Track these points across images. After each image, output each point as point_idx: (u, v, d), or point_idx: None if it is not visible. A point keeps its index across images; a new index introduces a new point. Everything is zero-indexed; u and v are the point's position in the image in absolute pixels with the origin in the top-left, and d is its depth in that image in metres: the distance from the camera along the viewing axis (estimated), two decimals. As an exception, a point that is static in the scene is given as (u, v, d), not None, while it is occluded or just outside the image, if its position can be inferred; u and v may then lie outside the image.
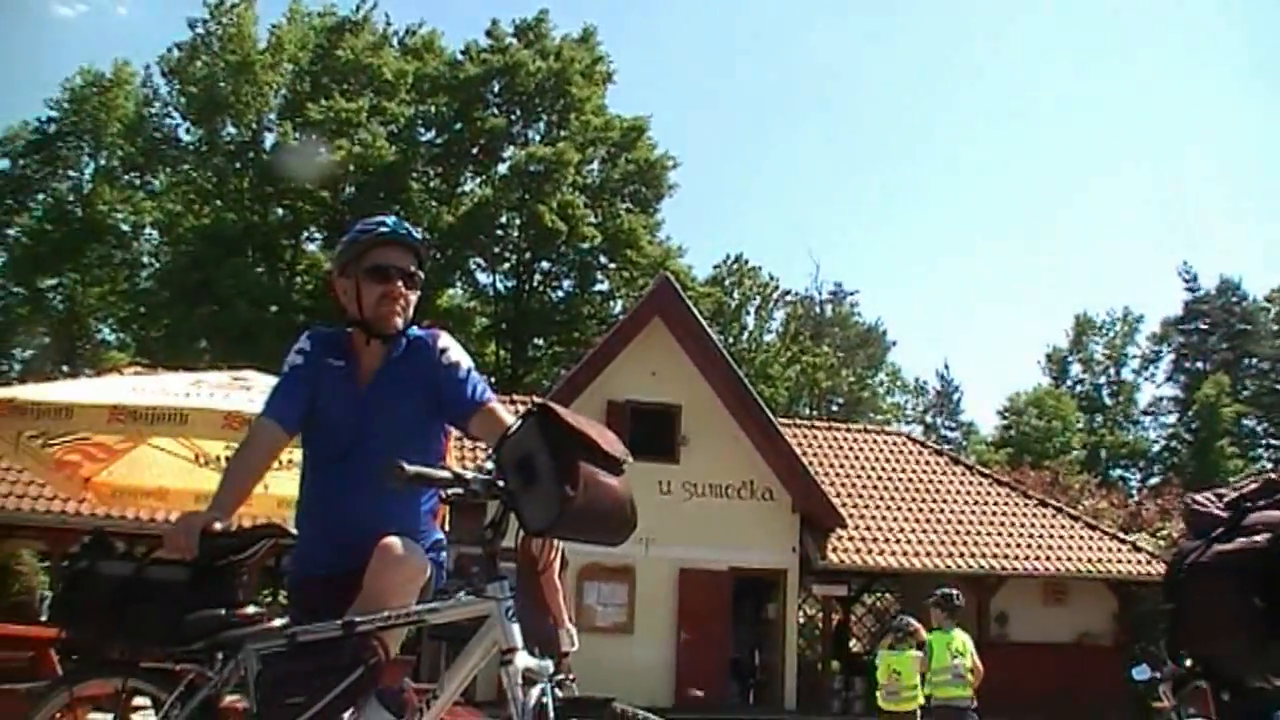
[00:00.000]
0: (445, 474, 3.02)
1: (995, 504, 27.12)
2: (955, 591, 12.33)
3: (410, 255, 3.75)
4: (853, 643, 29.85)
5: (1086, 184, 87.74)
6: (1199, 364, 60.14)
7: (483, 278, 48.16)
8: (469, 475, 3.01)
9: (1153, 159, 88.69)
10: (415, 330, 3.79)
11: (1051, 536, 26.14)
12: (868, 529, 25.49)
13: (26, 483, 21.10)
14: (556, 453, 2.93)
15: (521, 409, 3.51)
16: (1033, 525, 26.48)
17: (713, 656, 23.25)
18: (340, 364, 3.69)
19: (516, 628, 2.98)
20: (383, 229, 3.71)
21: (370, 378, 3.69)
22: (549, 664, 2.97)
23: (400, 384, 3.67)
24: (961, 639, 11.90)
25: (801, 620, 26.51)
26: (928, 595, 13.23)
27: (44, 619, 6.55)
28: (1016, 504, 27.31)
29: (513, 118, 48.53)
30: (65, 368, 44.27)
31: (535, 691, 2.88)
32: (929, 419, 64.64)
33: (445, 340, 3.76)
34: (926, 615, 12.81)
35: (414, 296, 3.73)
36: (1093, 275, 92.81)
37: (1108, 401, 62.66)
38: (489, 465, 3.05)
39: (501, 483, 3.02)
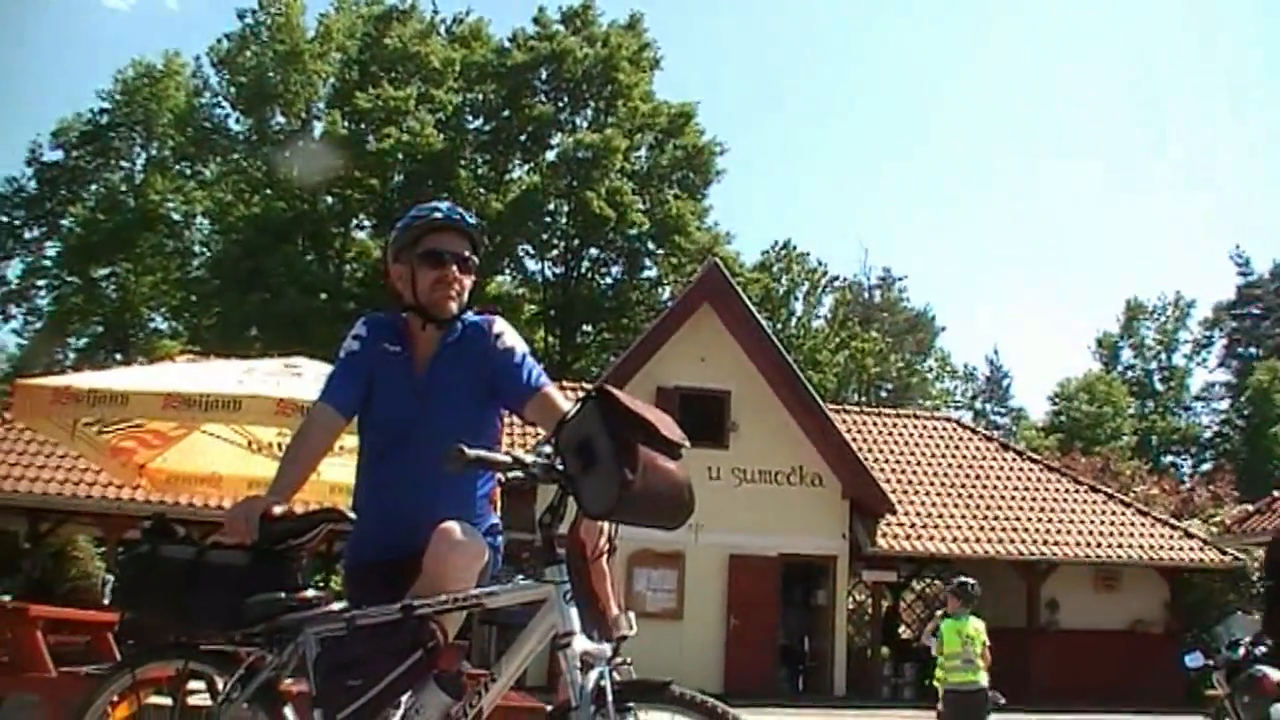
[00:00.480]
0: (505, 458, 3.02)
1: (1046, 490, 26.91)
2: (973, 581, 12.29)
3: (465, 240, 3.74)
4: (902, 629, 29.76)
5: (1136, 167, 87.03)
6: (1251, 349, 59.51)
7: (531, 265, 48.29)
8: (528, 459, 3.01)
9: (1205, 142, 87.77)
10: (470, 316, 3.78)
11: (1102, 523, 25.92)
12: (917, 515, 25.39)
13: (82, 469, 21.33)
14: (615, 436, 2.92)
15: (573, 396, 3.51)
16: (1083, 511, 26.25)
17: (762, 643, 23.23)
18: (396, 350, 3.68)
19: (574, 611, 2.99)
20: (437, 214, 3.71)
21: (426, 363, 3.69)
22: (606, 648, 2.97)
23: (456, 369, 3.66)
24: (975, 625, 11.85)
25: (851, 606, 26.41)
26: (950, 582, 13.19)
27: (105, 602, 6.67)
28: (1067, 490, 27.09)
29: (560, 105, 48.58)
30: (119, 356, 44.82)
31: (593, 675, 2.88)
32: (978, 405, 64.35)
33: (500, 325, 3.75)
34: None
35: (468, 281, 3.72)
36: (1144, 260, 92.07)
37: (1159, 387, 62.12)
38: (547, 449, 3.05)
39: (560, 466, 3.02)
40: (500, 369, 3.66)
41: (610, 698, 2.83)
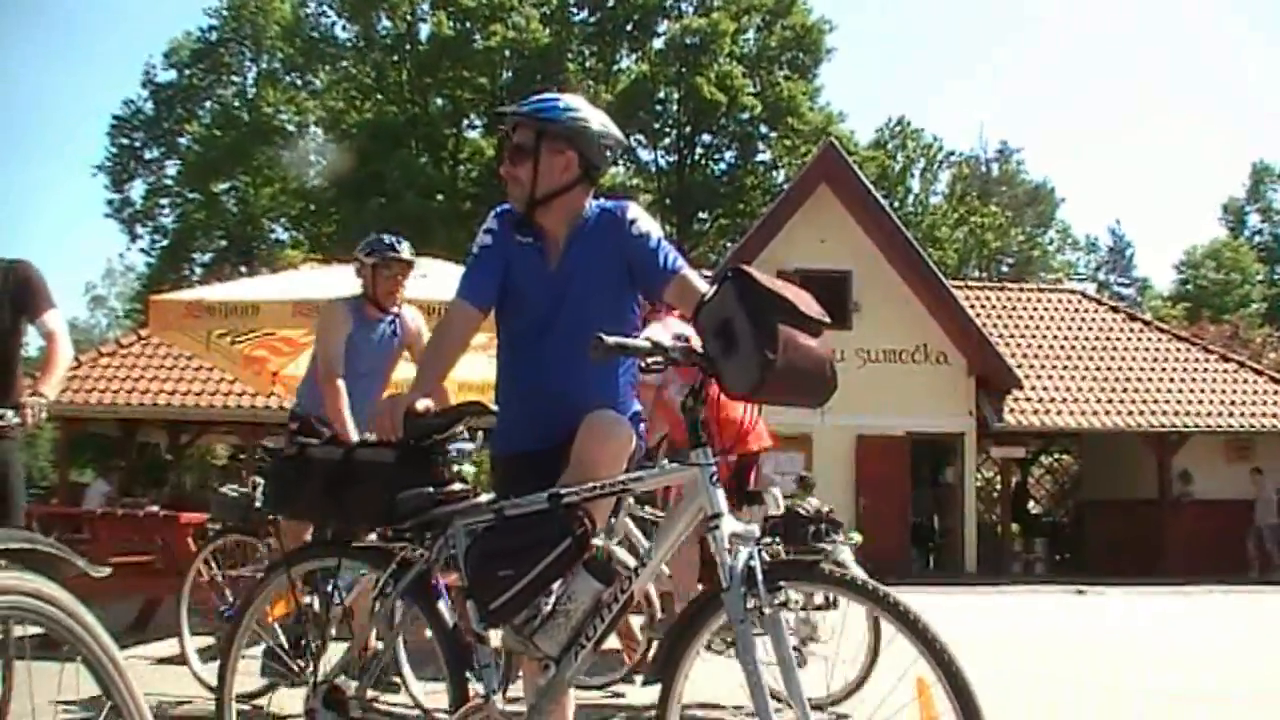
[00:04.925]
0: (645, 343, 3.01)
1: (1174, 360, 26.37)
2: None
3: (520, 129, 3.68)
4: (1031, 504, 29.60)
5: (1264, 27, 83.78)
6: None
7: (644, 155, 47.99)
8: (668, 344, 3.00)
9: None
10: (605, 202, 3.75)
11: (1234, 392, 25.39)
12: (1044, 389, 25.10)
13: (217, 380, 21.88)
14: (755, 316, 2.88)
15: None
16: (1214, 380, 25.73)
17: (892, 522, 23.22)
18: (529, 240, 3.67)
19: (721, 493, 2.97)
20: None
21: (561, 252, 3.67)
22: (755, 528, 2.96)
23: (591, 256, 3.63)
24: None
25: (979, 483, 26.30)
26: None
27: (258, 505, 6.86)
28: (1196, 359, 26.51)
29: (665, -10, 47.92)
30: (243, 269, 45.59)
31: (743, 554, 2.87)
32: (1101, 276, 62.93)
33: (634, 211, 3.70)
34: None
35: (522, 170, 3.63)
36: (1269, 122, 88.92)
37: (1288, 251, 60.19)
38: (686, 331, 3.03)
39: (701, 349, 3.00)
40: (636, 254, 3.62)
41: (760, 578, 2.82)
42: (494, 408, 3.52)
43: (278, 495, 3.64)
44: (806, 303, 3.03)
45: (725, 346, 2.92)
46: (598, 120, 3.70)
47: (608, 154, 3.75)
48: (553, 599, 3.19)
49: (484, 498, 3.42)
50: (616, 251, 3.63)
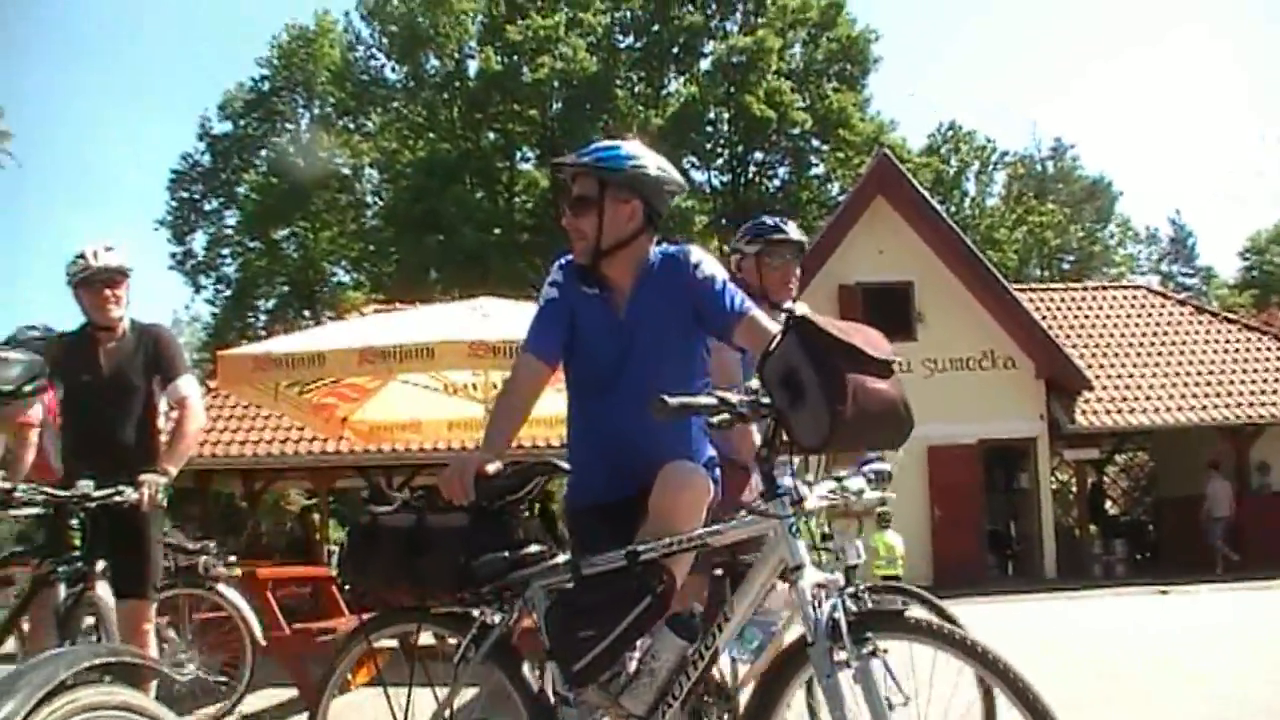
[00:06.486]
0: (710, 400, 2.97)
1: (1245, 350, 25.88)
2: None
3: (581, 180, 3.68)
4: (1109, 505, 29.25)
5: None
6: None
7: (698, 176, 47.77)
8: (734, 398, 2.96)
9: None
10: (667, 248, 3.73)
11: (1310, 378, 24.94)
12: (1115, 388, 24.78)
13: (288, 428, 22.05)
14: (821, 366, 2.85)
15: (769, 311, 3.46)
16: (1288, 368, 25.30)
17: (969, 530, 23.05)
18: (594, 291, 3.66)
19: (801, 543, 2.94)
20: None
21: (625, 301, 3.66)
22: (839, 577, 2.93)
23: (656, 304, 3.62)
24: None
25: (1054, 486, 26.00)
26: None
27: (333, 574, 6.96)
28: (1268, 348, 25.98)
29: (709, 12, 48.05)
30: (306, 312, 46.11)
31: (827, 607, 2.83)
32: (1164, 267, 62.16)
33: (698, 254, 3.68)
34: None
35: (586, 222, 3.62)
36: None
37: (1358, 232, 59.16)
38: (754, 384, 3.00)
39: (768, 401, 2.96)
40: (702, 298, 3.60)
41: (846, 629, 2.78)
42: (565, 465, 3.51)
43: (353, 564, 3.64)
44: (874, 343, 2.99)
45: (793, 398, 2.88)
46: (656, 165, 3.66)
47: (669, 199, 3.73)
48: (637, 657, 3.17)
49: (561, 558, 3.40)
50: (682, 297, 3.61)
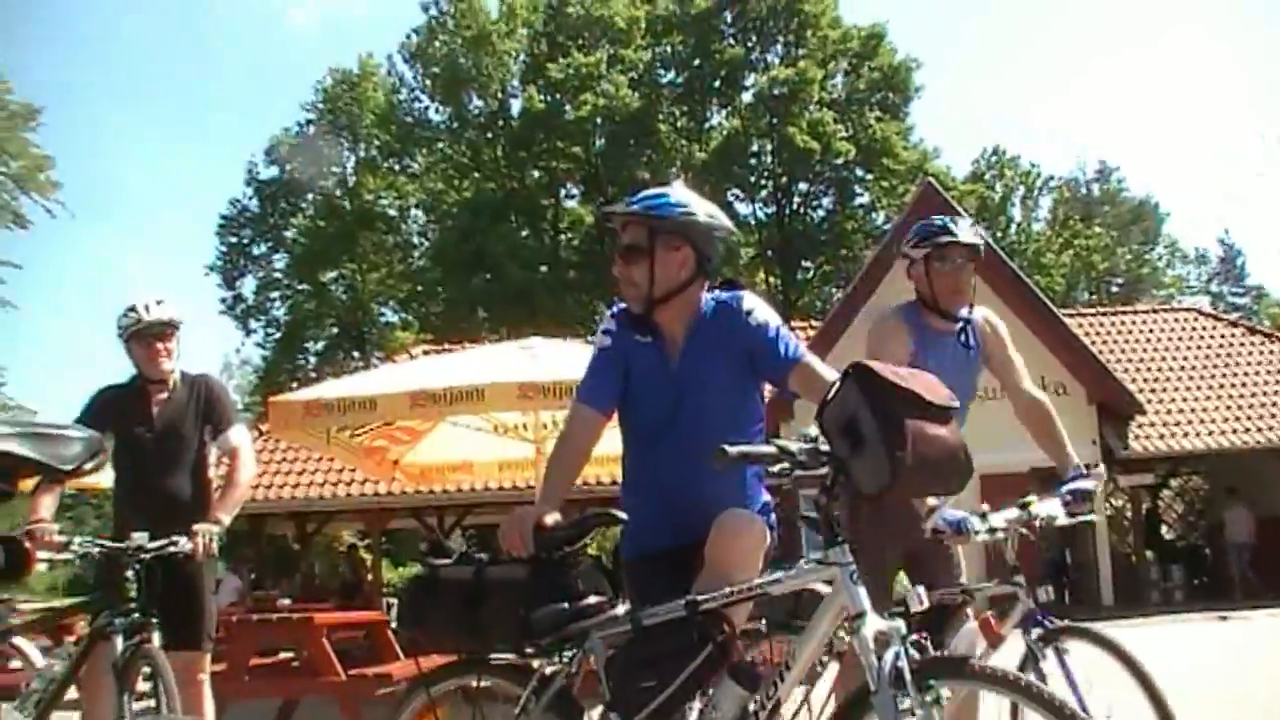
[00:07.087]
0: (770, 450, 2.96)
1: (1301, 369, 25.61)
2: None
3: (631, 228, 3.68)
4: (1165, 530, 28.87)
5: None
6: None
7: (742, 209, 47.74)
8: (794, 447, 2.94)
9: None
10: (719, 294, 3.72)
11: (1363, 395, 24.57)
12: (1168, 412, 24.53)
13: (339, 470, 22.18)
14: (880, 414, 2.84)
15: (803, 333, 3.45)
16: (1343, 387, 24.94)
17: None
18: (648, 339, 3.66)
19: (863, 591, 2.91)
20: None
21: (679, 349, 3.66)
22: (901, 624, 2.89)
23: (711, 352, 3.62)
24: None
25: (1109, 513, 25.69)
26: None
27: (392, 628, 7.02)
28: (1324, 367, 25.72)
29: (749, 45, 48.34)
30: (356, 354, 46.40)
31: (889, 655, 2.80)
32: (1214, 288, 61.64)
33: (750, 300, 3.68)
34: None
35: (638, 271, 3.62)
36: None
37: None
38: (812, 432, 2.99)
39: (827, 449, 2.95)
40: (756, 344, 3.60)
41: (909, 677, 2.76)
42: (622, 515, 3.50)
43: (413, 616, 3.64)
44: (932, 389, 2.98)
45: (853, 446, 2.87)
46: (706, 212, 3.65)
47: (719, 245, 3.72)
48: (698, 708, 3.15)
49: (620, 608, 3.39)
50: (736, 343, 3.61)
